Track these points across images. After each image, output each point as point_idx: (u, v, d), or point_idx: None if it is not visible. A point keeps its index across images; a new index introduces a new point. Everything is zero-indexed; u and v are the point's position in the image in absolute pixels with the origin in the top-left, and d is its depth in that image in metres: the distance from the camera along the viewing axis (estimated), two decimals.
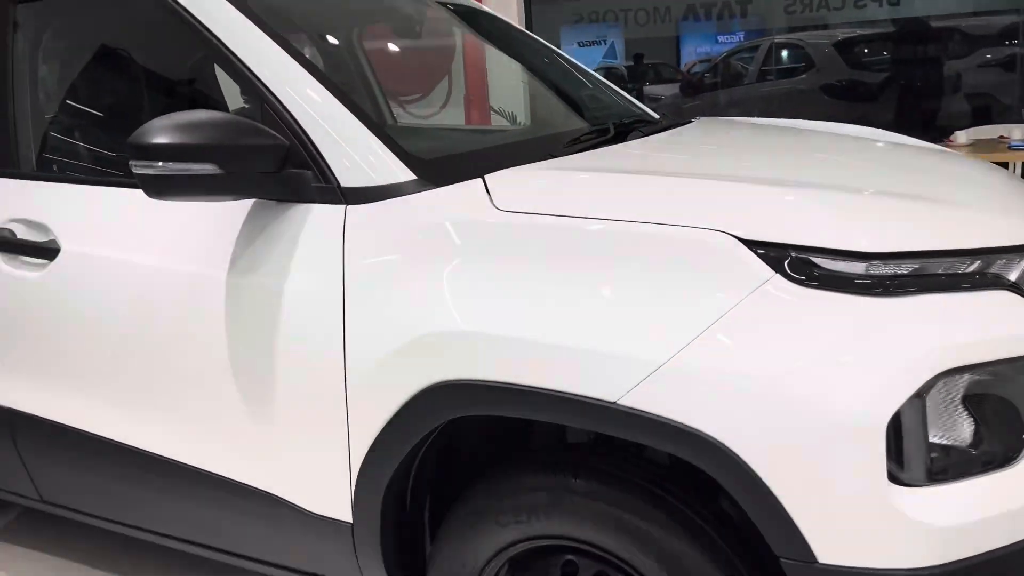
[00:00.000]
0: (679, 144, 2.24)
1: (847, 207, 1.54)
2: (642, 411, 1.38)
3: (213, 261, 1.80)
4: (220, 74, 2.31)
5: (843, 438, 1.30)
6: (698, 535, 1.48)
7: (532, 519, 1.59)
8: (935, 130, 6.00)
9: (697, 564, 1.46)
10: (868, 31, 7.00)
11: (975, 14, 6.56)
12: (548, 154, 1.89)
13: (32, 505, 2.44)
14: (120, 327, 1.97)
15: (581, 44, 7.92)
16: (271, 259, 1.73)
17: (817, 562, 1.34)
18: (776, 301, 1.36)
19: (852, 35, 7.01)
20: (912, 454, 1.32)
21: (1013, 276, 1.43)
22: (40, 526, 2.88)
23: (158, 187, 1.64)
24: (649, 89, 8.15)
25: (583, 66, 3.01)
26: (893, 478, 1.31)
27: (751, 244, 1.40)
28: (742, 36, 7.69)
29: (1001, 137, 5.48)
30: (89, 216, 2.05)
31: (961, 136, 5.40)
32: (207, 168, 1.61)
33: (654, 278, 1.43)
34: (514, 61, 3.11)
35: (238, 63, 1.81)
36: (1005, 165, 4.79)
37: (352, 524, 1.75)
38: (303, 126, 1.72)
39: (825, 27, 7.07)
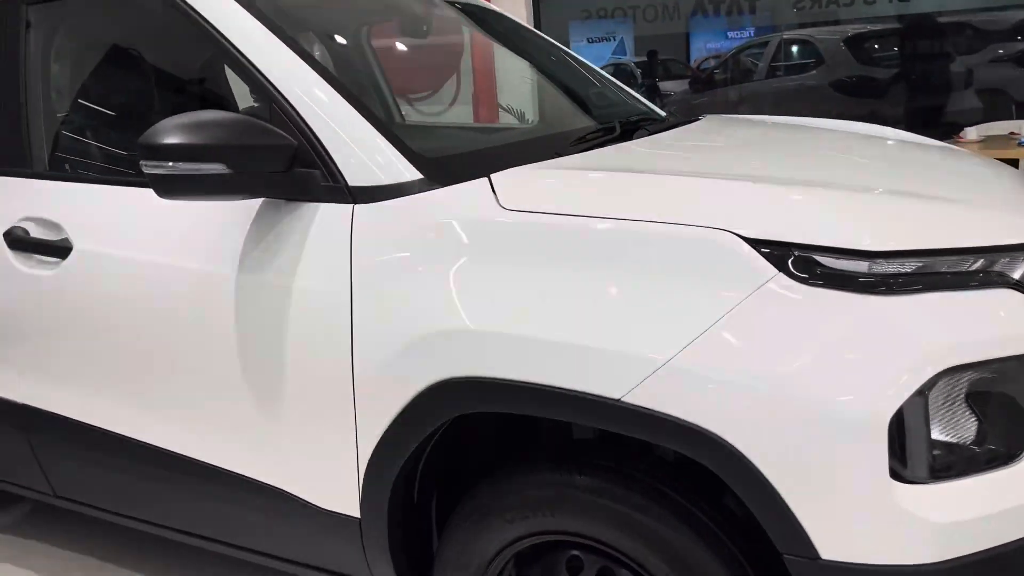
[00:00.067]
0: (684, 143, 2.25)
1: (850, 206, 1.54)
2: (645, 408, 1.39)
3: (223, 259, 1.82)
4: (230, 74, 2.33)
5: (846, 435, 1.30)
6: (702, 531, 1.48)
7: (538, 515, 1.61)
8: (945, 126, 5.96)
9: (701, 560, 1.47)
10: (878, 27, 6.95)
11: (986, 9, 6.51)
12: (554, 153, 1.90)
13: (46, 500, 2.46)
14: (131, 324, 2.00)
15: (590, 40, 7.88)
16: (280, 257, 1.75)
17: (820, 558, 1.35)
18: (780, 299, 1.37)
19: (862, 31, 6.96)
20: (915, 451, 1.32)
21: (1017, 274, 1.43)
22: (54, 520, 2.91)
23: (168, 187, 1.66)
24: (659, 85, 8.12)
25: (590, 64, 3.01)
26: (896, 475, 1.31)
27: (755, 243, 1.41)
28: (752, 32, 7.66)
29: (1012, 133, 5.44)
30: (101, 215, 2.07)
31: (971, 132, 5.37)
32: (216, 168, 1.63)
33: (658, 276, 1.44)
34: (521, 59, 3.12)
35: (247, 63, 1.83)
36: (1015, 161, 4.76)
37: (360, 519, 1.77)
38: (311, 126, 1.74)
39: (835, 23, 7.03)
